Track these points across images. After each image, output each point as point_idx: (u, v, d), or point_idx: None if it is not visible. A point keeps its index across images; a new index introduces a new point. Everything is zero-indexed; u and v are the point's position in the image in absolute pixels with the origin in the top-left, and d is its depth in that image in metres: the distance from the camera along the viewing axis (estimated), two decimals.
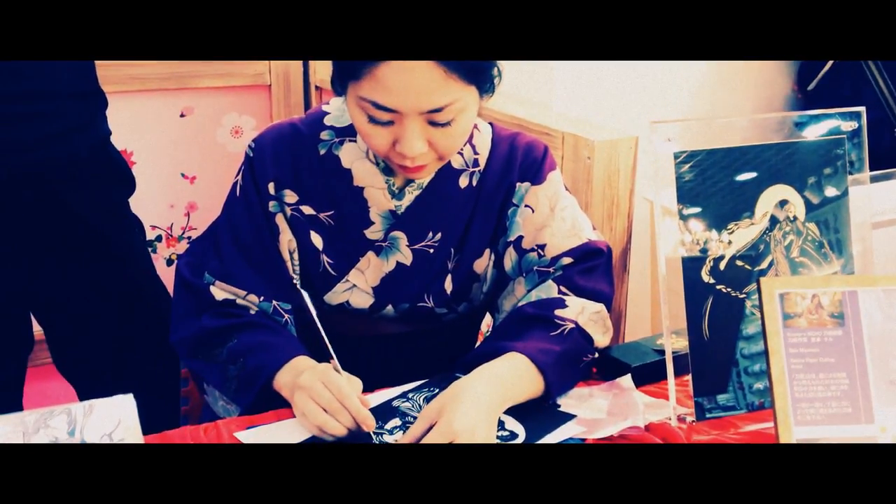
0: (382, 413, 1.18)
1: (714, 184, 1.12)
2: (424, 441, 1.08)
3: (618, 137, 1.84)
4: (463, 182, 1.32)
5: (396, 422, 1.16)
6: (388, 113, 1.15)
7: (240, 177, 1.32)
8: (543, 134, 1.90)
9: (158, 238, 2.52)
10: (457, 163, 1.31)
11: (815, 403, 0.94)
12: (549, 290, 1.29)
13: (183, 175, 2.51)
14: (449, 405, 1.10)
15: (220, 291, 1.29)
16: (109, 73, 1.67)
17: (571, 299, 1.27)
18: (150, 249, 2.39)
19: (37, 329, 1.65)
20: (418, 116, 1.15)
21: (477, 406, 1.11)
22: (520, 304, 1.30)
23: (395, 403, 1.21)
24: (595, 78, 2.15)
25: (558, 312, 1.25)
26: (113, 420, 0.94)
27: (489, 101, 1.23)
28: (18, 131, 1.45)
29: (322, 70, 2.50)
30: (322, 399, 1.12)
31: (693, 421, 1.14)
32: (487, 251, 1.34)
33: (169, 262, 2.54)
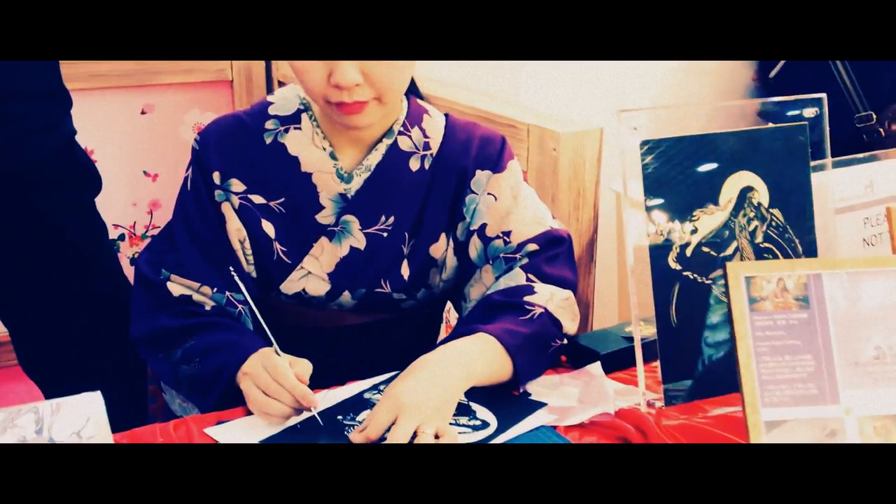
0: (353, 405, 1.18)
1: (680, 172, 1.13)
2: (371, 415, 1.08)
3: (583, 129, 1.85)
4: (414, 165, 1.33)
5: (367, 413, 1.16)
6: None
7: (189, 171, 1.33)
8: (509, 126, 1.91)
9: (121, 237, 2.49)
10: (406, 145, 1.32)
11: (781, 385, 0.95)
12: (517, 277, 1.30)
13: (145, 173, 2.48)
14: (401, 378, 1.12)
15: (176, 286, 1.29)
16: (69, 71, 1.64)
17: (539, 286, 1.29)
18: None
19: (1, 330, 1.63)
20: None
21: (431, 379, 1.12)
22: (488, 292, 1.31)
23: (366, 395, 1.21)
24: (560, 70, 2.16)
25: (528, 298, 1.26)
26: (81, 418, 0.93)
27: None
28: None
29: (285, 66, 2.49)
30: (261, 381, 1.13)
31: (662, 406, 1.15)
32: (444, 236, 1.35)
33: (132, 261, 2.51)
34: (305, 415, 1.14)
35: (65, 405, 0.93)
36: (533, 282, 1.29)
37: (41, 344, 1.62)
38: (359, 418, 1.15)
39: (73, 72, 2.16)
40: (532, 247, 1.32)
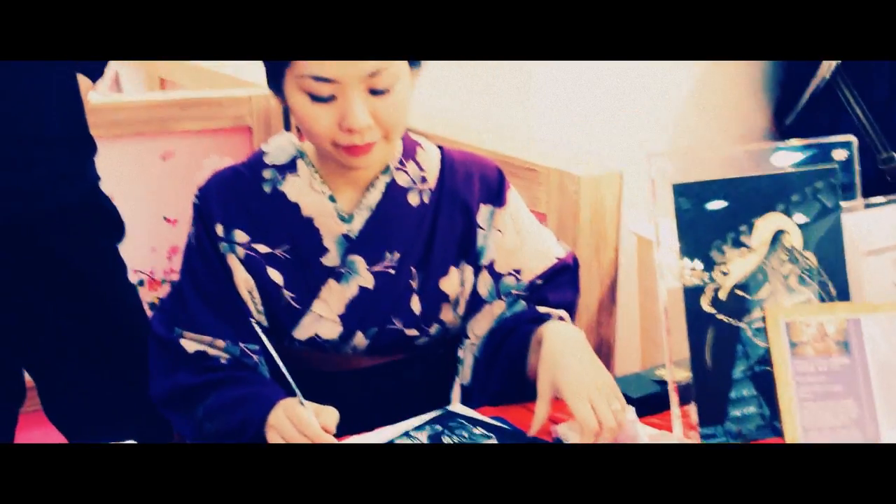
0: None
1: (712, 214, 1.13)
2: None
3: (603, 172, 1.86)
4: (413, 199, 1.34)
5: None
6: (329, 84, 1.17)
7: (192, 227, 1.34)
8: (528, 170, 1.91)
9: (141, 282, 2.49)
10: (403, 181, 1.34)
11: (824, 432, 0.94)
12: (520, 306, 1.37)
13: (165, 218, 2.49)
14: (563, 369, 1.17)
15: (189, 343, 1.30)
16: (91, 119, 1.66)
17: (540, 307, 1.36)
18: None
19: (26, 376, 1.62)
20: (358, 84, 1.18)
21: (589, 358, 1.20)
22: (495, 325, 1.36)
23: (397, 442, 1.20)
24: (574, 109, 2.17)
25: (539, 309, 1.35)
26: None
27: (418, 75, 1.27)
28: (11, 178, 1.44)
29: None
30: (286, 434, 1.14)
31: None
32: (454, 269, 1.35)
33: (152, 306, 2.51)
34: None
35: None
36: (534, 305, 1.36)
37: (65, 390, 1.62)
38: None
39: (94, 119, 2.18)
40: (540, 282, 1.38)
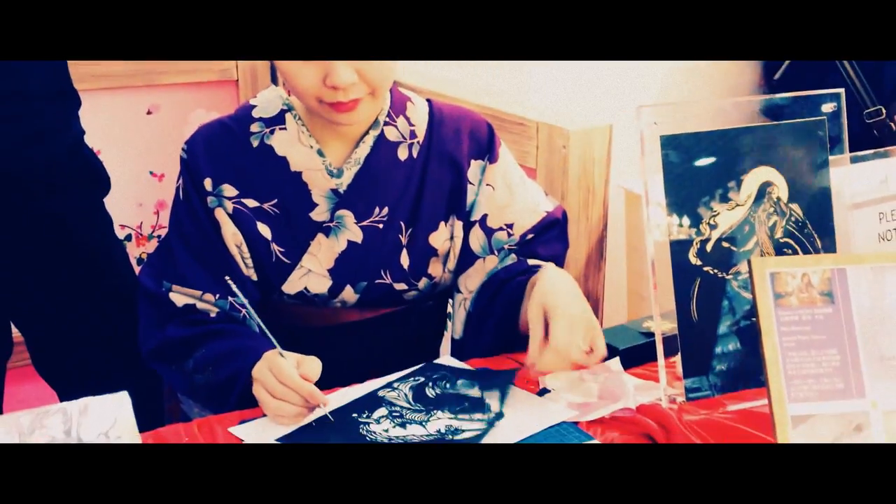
0: (368, 403, 1.18)
1: (699, 167, 1.14)
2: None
3: (592, 126, 1.85)
4: (402, 154, 1.34)
5: (383, 411, 1.16)
6: None
7: (179, 181, 1.34)
8: (517, 124, 1.91)
9: (128, 237, 2.49)
10: (392, 135, 1.33)
11: (807, 380, 0.96)
12: (511, 260, 1.38)
13: (151, 173, 2.47)
14: (568, 298, 1.20)
15: (178, 296, 1.30)
16: (74, 71, 1.64)
17: (530, 261, 1.37)
18: None
19: (14, 331, 1.62)
20: None
21: (573, 293, 1.22)
22: (487, 278, 1.37)
23: (380, 393, 1.21)
24: (561, 70, 2.16)
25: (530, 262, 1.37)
26: (109, 419, 0.93)
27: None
28: None
29: None
30: (268, 385, 1.13)
31: (682, 401, 1.15)
32: (443, 224, 1.36)
33: (139, 262, 2.51)
34: (319, 412, 1.14)
35: (92, 406, 0.92)
36: (524, 258, 1.37)
37: (54, 344, 1.62)
38: (374, 416, 1.15)
39: (77, 72, 2.15)
40: (530, 236, 1.39)
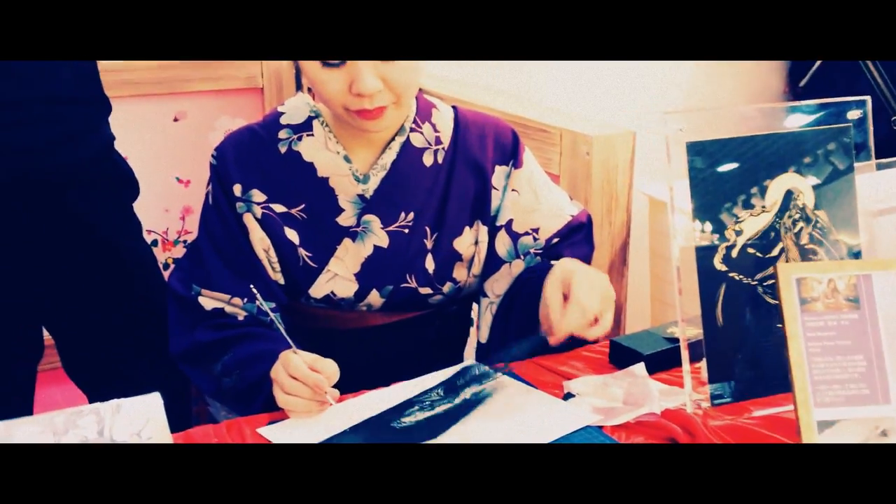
0: (402, 410, 1.19)
1: (725, 173, 1.14)
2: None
3: (615, 132, 1.86)
4: (427, 160, 1.35)
5: (414, 408, 1.17)
6: None
7: (209, 187, 1.35)
8: (540, 130, 1.92)
9: (154, 243, 2.51)
10: (418, 142, 1.35)
11: (833, 386, 0.96)
12: (535, 262, 1.39)
13: (178, 179, 2.50)
14: (590, 275, 1.23)
15: (207, 300, 1.32)
16: (104, 78, 1.67)
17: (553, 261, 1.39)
18: None
19: (45, 334, 1.64)
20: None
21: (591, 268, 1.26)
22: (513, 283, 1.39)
23: (415, 401, 1.21)
24: (588, 74, 2.16)
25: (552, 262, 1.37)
26: (141, 419, 0.94)
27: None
28: (23, 136, 1.45)
29: None
30: (280, 380, 1.15)
31: (708, 406, 1.15)
32: (468, 229, 1.37)
33: (166, 266, 2.53)
34: (336, 412, 1.15)
35: (124, 406, 0.94)
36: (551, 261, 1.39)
37: (84, 347, 1.64)
38: (405, 413, 1.16)
39: (106, 80, 2.19)
40: (556, 240, 1.40)
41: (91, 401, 1.66)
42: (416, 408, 1.18)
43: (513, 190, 1.38)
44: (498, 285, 1.39)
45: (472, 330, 1.56)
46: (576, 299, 1.19)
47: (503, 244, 1.38)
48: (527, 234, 1.39)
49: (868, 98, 1.20)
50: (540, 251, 1.39)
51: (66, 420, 0.93)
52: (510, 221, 1.38)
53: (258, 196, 1.32)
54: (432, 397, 1.20)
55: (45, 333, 1.64)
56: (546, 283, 1.24)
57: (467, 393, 1.20)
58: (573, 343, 1.37)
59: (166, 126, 2.45)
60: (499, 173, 1.38)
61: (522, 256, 1.38)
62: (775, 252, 1.16)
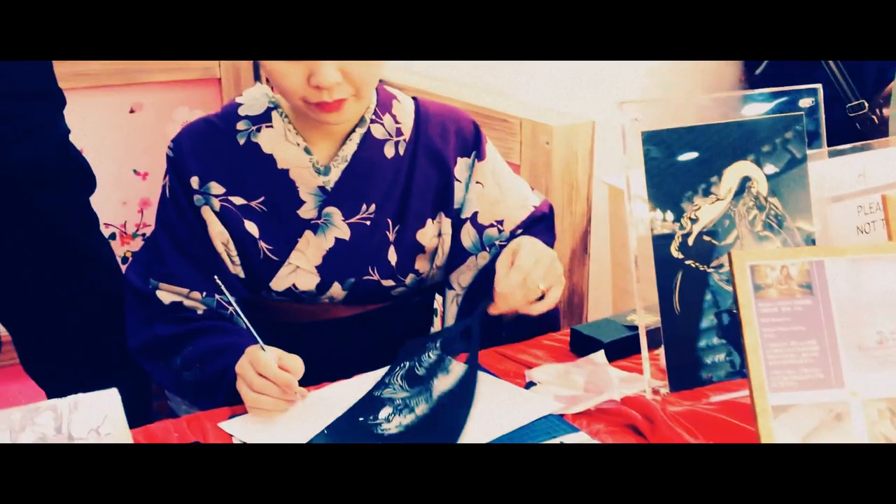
0: (369, 406, 1.19)
1: (680, 161, 1.15)
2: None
3: (575, 122, 1.87)
4: (389, 151, 1.35)
5: (388, 410, 1.17)
6: None
7: (166, 179, 1.34)
8: (501, 120, 1.92)
9: (112, 236, 2.49)
10: (379, 133, 1.35)
11: (787, 370, 0.97)
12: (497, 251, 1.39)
13: (135, 172, 2.47)
14: (538, 247, 1.24)
15: (165, 294, 1.30)
16: (57, 70, 1.64)
17: None
18: None
19: (1, 330, 1.62)
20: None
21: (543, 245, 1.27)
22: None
23: (376, 394, 1.21)
24: (544, 64, 2.17)
25: None
26: (99, 415, 0.94)
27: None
28: None
29: None
30: (247, 378, 1.15)
31: (666, 393, 1.17)
32: (430, 221, 1.37)
33: (124, 260, 2.51)
34: (299, 406, 1.14)
35: (82, 402, 0.93)
36: None
37: (42, 343, 1.62)
38: (381, 416, 1.16)
39: (60, 71, 2.16)
40: (519, 231, 1.40)
41: (50, 397, 1.65)
42: (390, 409, 1.18)
43: (477, 182, 1.38)
44: (464, 277, 1.40)
45: (437, 321, 1.56)
46: (518, 265, 1.20)
47: (469, 236, 1.39)
48: (492, 225, 1.39)
49: (819, 86, 1.22)
50: (505, 243, 1.39)
51: (23, 417, 0.92)
52: (475, 214, 1.39)
53: (216, 188, 1.31)
54: (400, 393, 1.20)
55: (2, 329, 1.62)
56: (500, 256, 1.26)
57: (438, 386, 1.19)
58: (533, 331, 1.38)
59: (123, 118, 2.42)
60: (461, 165, 1.38)
61: (488, 248, 1.39)
62: (730, 239, 1.17)
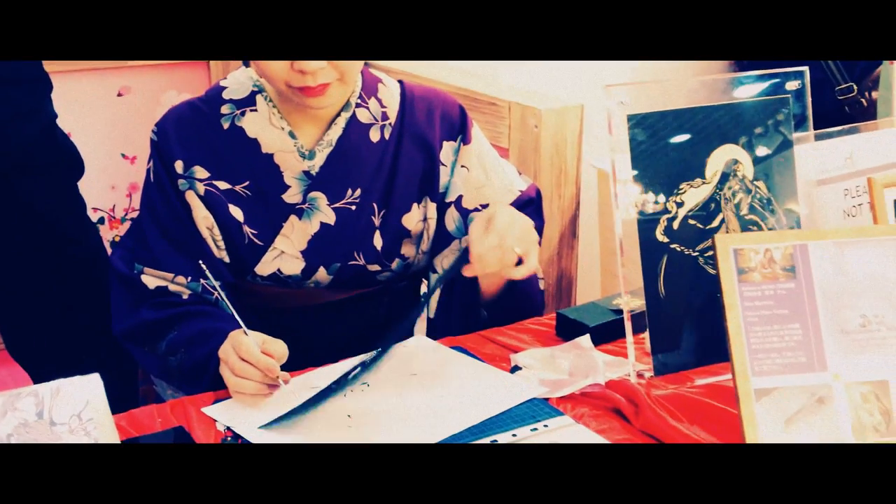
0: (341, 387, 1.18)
1: (666, 145, 1.15)
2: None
3: (564, 105, 1.86)
4: (374, 136, 1.34)
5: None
6: None
7: (150, 163, 1.33)
8: (490, 104, 1.91)
9: (101, 220, 2.48)
10: (364, 117, 1.34)
11: (770, 354, 0.97)
12: None
13: (123, 155, 2.46)
14: (513, 216, 1.23)
15: (150, 279, 1.30)
16: None
17: None
18: None
19: None
20: None
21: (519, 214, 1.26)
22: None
23: (350, 376, 1.20)
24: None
25: None
26: (81, 401, 0.93)
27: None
28: None
29: None
30: (230, 363, 1.14)
31: (651, 376, 1.17)
32: (416, 206, 1.37)
33: (113, 244, 2.50)
34: (283, 392, 1.14)
35: (64, 388, 0.93)
36: None
37: (27, 327, 1.62)
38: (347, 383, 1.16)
39: None
40: None
41: (35, 380, 1.64)
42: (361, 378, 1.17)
43: (462, 166, 1.38)
44: (447, 261, 1.39)
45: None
46: (494, 228, 1.20)
47: (452, 220, 1.38)
48: (476, 209, 1.38)
49: (806, 69, 1.21)
50: None
51: (4, 402, 0.91)
52: (460, 198, 1.38)
53: (201, 173, 1.30)
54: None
55: None
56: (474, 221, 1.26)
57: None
58: (516, 313, 1.37)
59: (111, 101, 2.40)
60: (447, 149, 1.38)
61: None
62: (716, 223, 1.17)
